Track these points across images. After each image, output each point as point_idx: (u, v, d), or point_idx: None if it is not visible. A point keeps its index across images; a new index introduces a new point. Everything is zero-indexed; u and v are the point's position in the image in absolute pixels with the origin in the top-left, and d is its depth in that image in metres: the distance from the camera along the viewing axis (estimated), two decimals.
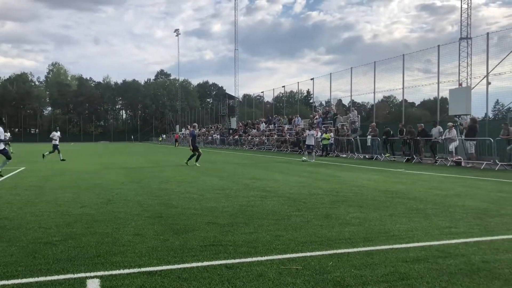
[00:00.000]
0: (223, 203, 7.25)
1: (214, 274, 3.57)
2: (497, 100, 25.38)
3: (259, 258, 4.01)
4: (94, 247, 4.44)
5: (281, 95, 52.25)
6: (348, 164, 17.29)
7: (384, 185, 9.85)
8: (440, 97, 23.05)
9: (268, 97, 55.15)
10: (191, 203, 7.32)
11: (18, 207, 6.97)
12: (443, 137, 17.70)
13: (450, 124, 17.67)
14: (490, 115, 21.90)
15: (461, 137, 17.54)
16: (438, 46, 22.41)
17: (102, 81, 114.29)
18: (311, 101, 48.41)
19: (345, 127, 25.66)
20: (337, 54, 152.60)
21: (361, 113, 43.66)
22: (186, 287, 3.30)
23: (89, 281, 3.41)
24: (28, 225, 5.55)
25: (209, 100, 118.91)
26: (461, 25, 33.56)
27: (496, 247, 4.45)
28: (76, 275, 3.55)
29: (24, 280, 3.43)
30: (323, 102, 42.85)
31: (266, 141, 35.80)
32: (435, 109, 24.55)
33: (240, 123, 48.48)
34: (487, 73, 19.29)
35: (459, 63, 25.19)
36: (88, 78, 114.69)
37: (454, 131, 17.37)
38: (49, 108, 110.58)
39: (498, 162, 15.24)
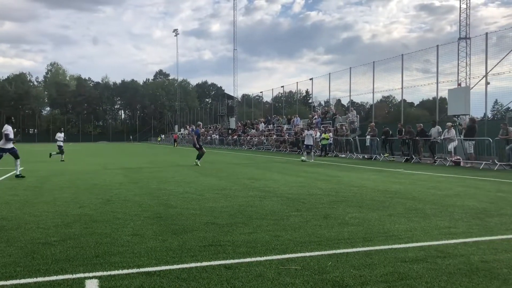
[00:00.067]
0: (222, 203, 7.25)
1: (213, 274, 3.56)
2: (496, 100, 25.45)
3: (258, 258, 4.01)
4: (93, 247, 4.43)
5: (280, 95, 52.33)
6: (347, 164, 17.30)
7: (383, 185, 9.85)
8: (439, 97, 23.10)
9: (267, 97, 55.39)
10: (190, 203, 7.31)
11: (17, 207, 6.96)
12: (442, 137, 17.72)
13: (449, 124, 17.69)
14: (489, 115, 21.93)
15: (460, 137, 17.57)
16: (437, 46, 22.45)
17: (100, 81, 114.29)
18: (310, 101, 48.48)
19: (344, 127, 25.69)
20: (336, 54, 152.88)
21: (360, 113, 43.61)
22: (185, 287, 3.30)
23: (87, 282, 3.40)
24: (27, 225, 5.53)
25: (208, 100, 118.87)
26: (460, 25, 33.60)
27: (495, 247, 4.45)
28: (74, 276, 3.54)
29: (22, 281, 3.42)
30: (322, 102, 42.97)
31: (265, 141, 35.80)
32: (434, 109, 24.59)
33: (239, 123, 48.48)
34: (486, 73, 19.33)
35: (458, 63, 25.30)
36: (87, 78, 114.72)
37: (453, 131, 17.39)
38: (48, 108, 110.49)
39: (497, 162, 15.26)
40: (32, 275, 3.56)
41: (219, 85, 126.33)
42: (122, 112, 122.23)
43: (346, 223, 5.59)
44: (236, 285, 3.32)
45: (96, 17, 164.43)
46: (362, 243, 4.55)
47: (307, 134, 20.28)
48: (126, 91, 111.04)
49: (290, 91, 48.78)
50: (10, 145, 11.94)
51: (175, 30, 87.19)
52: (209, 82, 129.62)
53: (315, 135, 24.21)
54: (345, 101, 34.84)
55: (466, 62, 28.36)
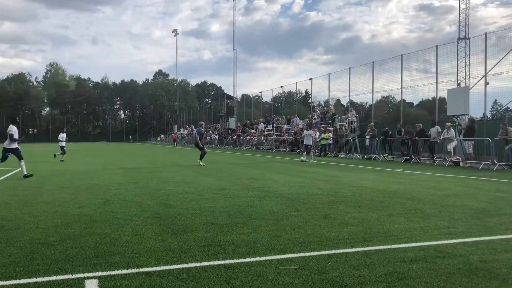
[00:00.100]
0: (221, 203, 7.25)
1: (213, 275, 3.56)
2: (495, 100, 25.43)
3: (258, 258, 4.01)
4: (92, 247, 4.43)
5: (279, 95, 52.35)
6: (347, 164, 17.30)
7: (382, 185, 9.86)
8: (438, 97, 23.10)
9: (267, 97, 55.46)
10: (190, 203, 7.31)
11: (16, 207, 6.96)
12: (441, 137, 17.73)
13: (448, 124, 17.70)
14: (488, 115, 21.97)
15: (459, 137, 17.58)
16: (437, 46, 22.46)
17: (100, 81, 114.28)
18: (309, 101, 48.50)
19: (343, 127, 25.68)
20: (336, 54, 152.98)
21: (360, 113, 43.61)
22: (185, 287, 3.30)
23: (87, 282, 3.41)
24: (26, 225, 5.53)
25: (207, 100, 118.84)
26: (459, 25, 33.56)
27: (495, 247, 4.45)
28: (74, 276, 3.54)
29: (22, 281, 3.43)
30: (322, 102, 42.90)
31: (264, 141, 35.80)
32: (433, 109, 24.61)
33: (238, 123, 48.48)
34: (485, 73, 19.34)
35: (457, 63, 25.27)
36: (86, 78, 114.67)
37: (452, 131, 17.40)
38: (47, 108, 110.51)
39: (496, 162, 15.27)
40: (32, 275, 3.56)
41: (218, 85, 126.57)
42: (122, 112, 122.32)
43: (346, 223, 5.59)
44: (235, 285, 3.32)
45: (95, 17, 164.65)
46: (361, 243, 4.56)
47: (306, 134, 20.29)
48: (125, 91, 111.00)
49: (290, 91, 48.89)
50: (14, 145, 11.94)
51: (175, 30, 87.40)
52: (209, 82, 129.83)
53: (315, 135, 24.23)
54: (344, 101, 34.85)
55: (465, 62, 28.34)
